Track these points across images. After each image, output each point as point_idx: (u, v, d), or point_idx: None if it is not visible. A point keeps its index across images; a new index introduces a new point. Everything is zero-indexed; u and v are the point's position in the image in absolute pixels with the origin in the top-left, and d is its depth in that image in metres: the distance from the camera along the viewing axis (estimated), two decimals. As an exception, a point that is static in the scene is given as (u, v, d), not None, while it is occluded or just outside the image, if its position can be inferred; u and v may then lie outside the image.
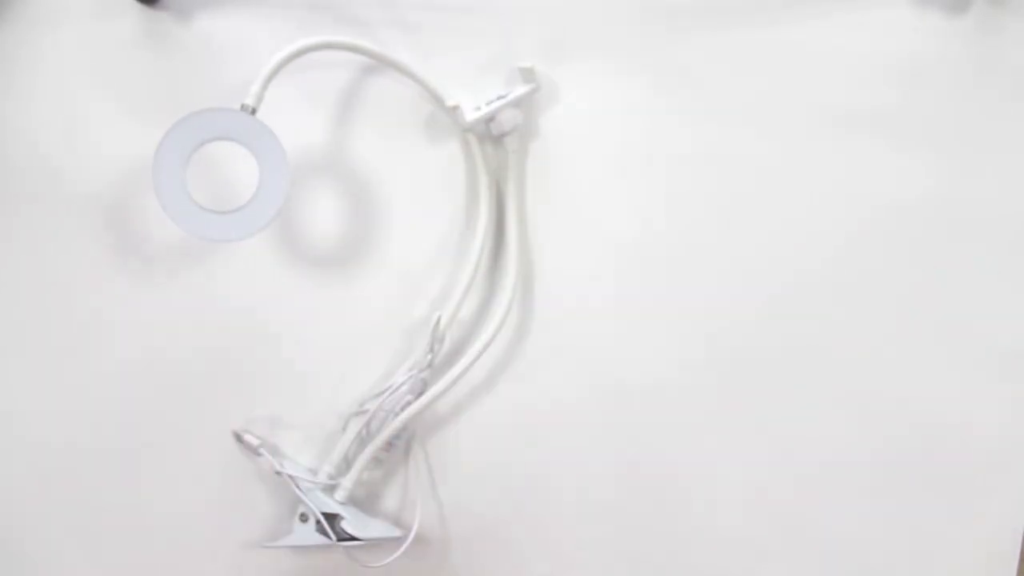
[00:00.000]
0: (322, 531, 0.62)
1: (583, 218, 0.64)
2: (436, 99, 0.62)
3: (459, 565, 0.66)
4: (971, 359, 0.64)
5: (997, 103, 0.63)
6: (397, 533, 0.63)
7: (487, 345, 0.62)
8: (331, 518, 0.62)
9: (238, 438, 0.64)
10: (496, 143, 0.64)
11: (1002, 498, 0.64)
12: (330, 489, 0.63)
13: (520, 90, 0.61)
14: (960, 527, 0.65)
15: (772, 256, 0.64)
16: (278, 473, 0.63)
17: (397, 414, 0.62)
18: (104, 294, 0.64)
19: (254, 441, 0.64)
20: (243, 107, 0.56)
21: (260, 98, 0.56)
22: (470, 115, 0.61)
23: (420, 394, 0.63)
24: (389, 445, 0.63)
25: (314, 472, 0.64)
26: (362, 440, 0.63)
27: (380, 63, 0.62)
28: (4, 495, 0.65)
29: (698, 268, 0.64)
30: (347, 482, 0.63)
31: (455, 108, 0.61)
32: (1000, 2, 0.62)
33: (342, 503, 0.63)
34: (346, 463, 0.64)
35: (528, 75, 0.61)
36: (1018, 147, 0.63)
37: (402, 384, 0.62)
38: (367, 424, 0.63)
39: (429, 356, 0.63)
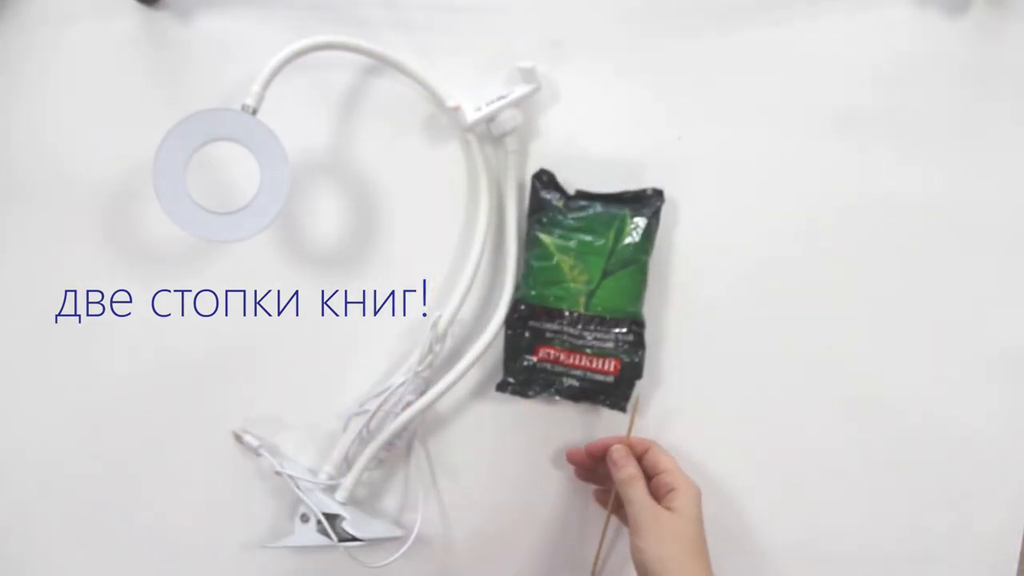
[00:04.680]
0: (323, 531, 0.62)
1: (583, 218, 0.64)
2: (437, 99, 0.62)
3: (460, 565, 0.65)
4: (971, 359, 0.64)
5: (997, 103, 0.63)
6: (398, 533, 0.63)
7: (488, 345, 0.62)
8: (332, 518, 0.62)
9: (238, 438, 0.64)
10: (496, 143, 0.64)
11: (1002, 498, 0.64)
12: (331, 489, 0.63)
13: (521, 90, 0.61)
14: (960, 527, 0.65)
15: (771, 255, 0.64)
16: (278, 473, 0.63)
17: (398, 414, 0.62)
18: (105, 294, 0.64)
19: (254, 441, 0.64)
20: (244, 107, 0.56)
21: (261, 98, 0.56)
22: (470, 115, 0.61)
23: (421, 394, 0.63)
24: (390, 445, 0.63)
25: (314, 472, 0.64)
26: (363, 440, 0.63)
27: (381, 63, 0.62)
28: (3, 495, 0.65)
29: (697, 267, 0.64)
30: (348, 482, 0.63)
31: (456, 108, 0.61)
32: (999, 3, 0.63)
33: (343, 503, 0.63)
34: (347, 463, 0.64)
35: (528, 75, 0.61)
36: (1018, 147, 0.64)
37: (403, 384, 0.62)
38: (367, 424, 0.63)
39: (429, 356, 0.63)
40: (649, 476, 0.59)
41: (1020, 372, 0.64)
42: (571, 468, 0.65)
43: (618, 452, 0.59)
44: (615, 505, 0.61)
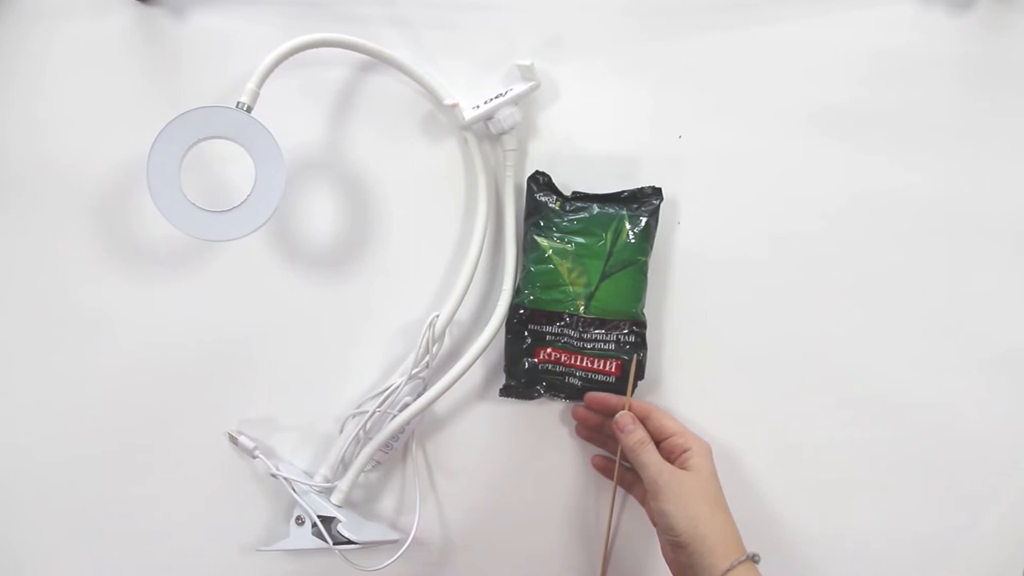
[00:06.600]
0: (318, 534, 0.61)
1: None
2: (434, 97, 0.62)
3: (457, 569, 0.65)
4: (972, 359, 0.64)
5: (1001, 102, 0.63)
6: (394, 536, 0.63)
7: (486, 345, 0.61)
8: (327, 521, 0.61)
9: (233, 440, 0.64)
10: (495, 141, 0.63)
11: (1008, 499, 0.64)
12: (326, 492, 0.63)
13: (519, 88, 0.60)
14: (965, 527, 0.64)
15: (771, 255, 0.64)
16: (274, 475, 0.62)
17: (395, 415, 0.61)
18: (100, 294, 0.63)
19: (250, 443, 0.63)
20: (239, 105, 0.55)
21: (256, 96, 0.56)
22: (469, 113, 0.60)
23: (419, 395, 0.62)
24: (387, 446, 0.62)
25: (310, 475, 0.63)
26: (359, 442, 0.63)
27: (378, 61, 0.61)
28: (2, 495, 0.65)
29: (695, 266, 0.64)
30: (343, 484, 0.62)
31: (453, 106, 0.60)
32: (1005, -1, 0.62)
33: (338, 506, 0.62)
34: (343, 465, 0.63)
35: (527, 73, 0.61)
36: (1020, 146, 0.63)
37: (401, 385, 0.62)
38: (364, 425, 0.62)
39: (427, 357, 0.62)
40: (656, 440, 0.58)
41: (1021, 372, 0.64)
42: (570, 470, 0.64)
43: (624, 418, 0.58)
44: (619, 473, 0.61)
